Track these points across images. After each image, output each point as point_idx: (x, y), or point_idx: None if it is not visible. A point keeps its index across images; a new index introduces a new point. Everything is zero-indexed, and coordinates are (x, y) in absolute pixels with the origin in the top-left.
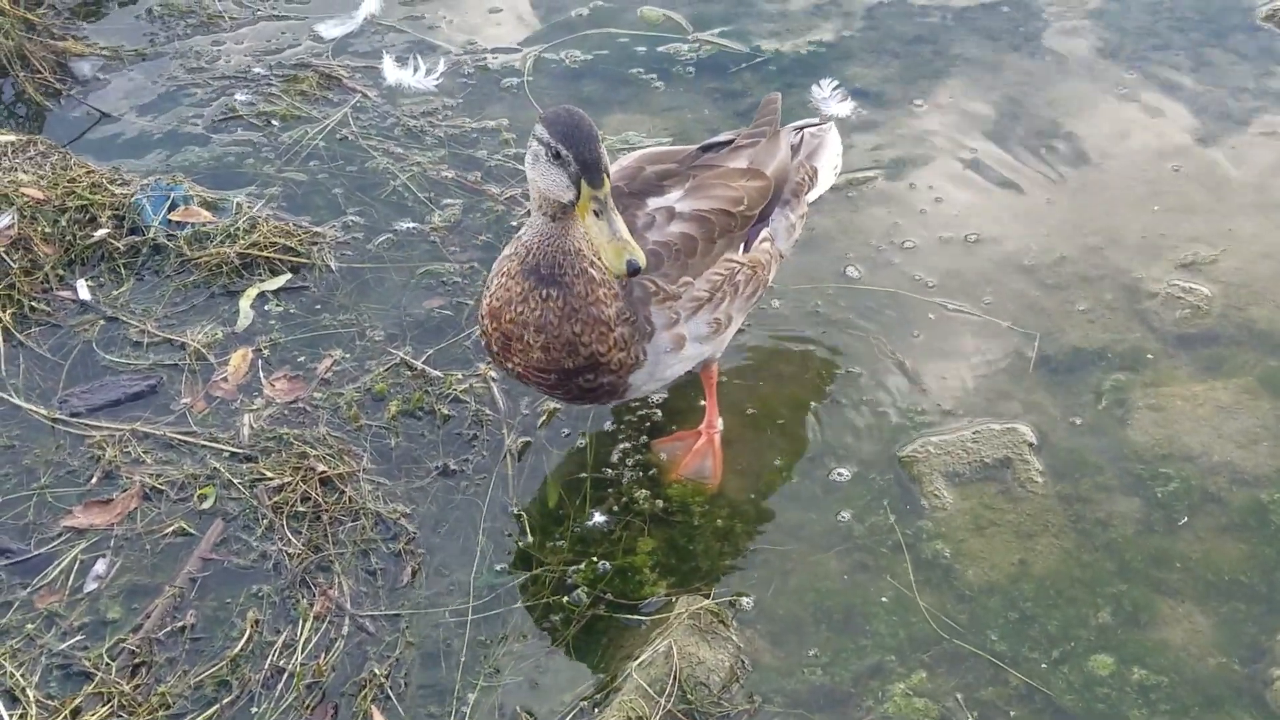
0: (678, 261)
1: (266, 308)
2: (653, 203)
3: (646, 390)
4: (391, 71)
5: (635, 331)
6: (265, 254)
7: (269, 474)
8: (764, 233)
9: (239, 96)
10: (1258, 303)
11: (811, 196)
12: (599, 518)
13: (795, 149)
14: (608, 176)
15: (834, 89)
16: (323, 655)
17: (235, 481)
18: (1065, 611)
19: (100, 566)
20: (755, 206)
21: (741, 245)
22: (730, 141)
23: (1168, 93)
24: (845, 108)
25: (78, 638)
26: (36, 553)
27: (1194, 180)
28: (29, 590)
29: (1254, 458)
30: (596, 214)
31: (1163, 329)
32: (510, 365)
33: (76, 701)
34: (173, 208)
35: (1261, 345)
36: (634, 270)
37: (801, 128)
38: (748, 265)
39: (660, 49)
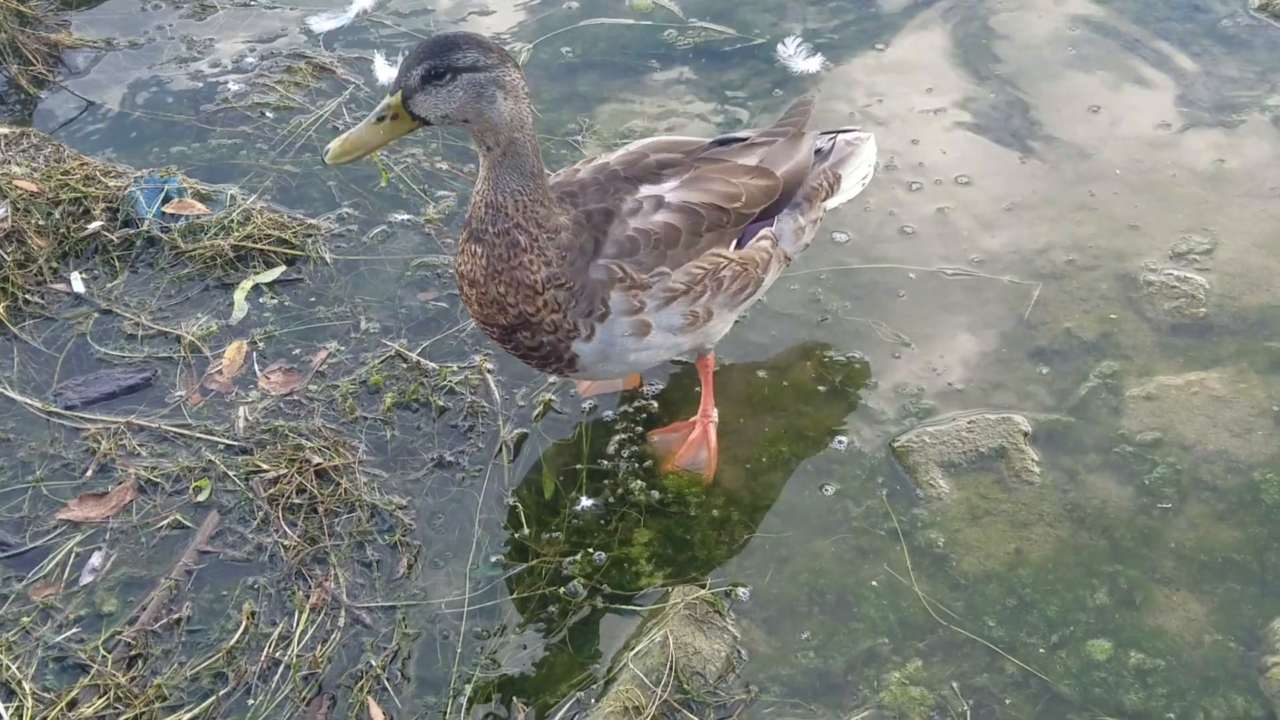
0: (655, 250)
1: (261, 300)
2: (645, 189)
3: (611, 370)
4: (383, 70)
5: (572, 296)
6: (260, 246)
7: (264, 466)
8: (764, 231)
9: (232, 88)
10: (1251, 292)
11: (831, 204)
12: (586, 502)
13: (824, 154)
14: (395, 89)
15: (798, 45)
16: (319, 647)
17: (230, 474)
18: (1062, 597)
19: (96, 559)
20: (755, 205)
21: (734, 241)
22: (746, 138)
23: (1160, 81)
24: (813, 63)
25: (73, 630)
26: (32, 545)
27: (1187, 169)
28: (24, 583)
29: (1248, 446)
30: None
31: (1157, 318)
32: (473, 317)
33: (73, 694)
34: (166, 200)
35: (1255, 334)
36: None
37: (835, 134)
38: (737, 261)
39: (655, 37)
